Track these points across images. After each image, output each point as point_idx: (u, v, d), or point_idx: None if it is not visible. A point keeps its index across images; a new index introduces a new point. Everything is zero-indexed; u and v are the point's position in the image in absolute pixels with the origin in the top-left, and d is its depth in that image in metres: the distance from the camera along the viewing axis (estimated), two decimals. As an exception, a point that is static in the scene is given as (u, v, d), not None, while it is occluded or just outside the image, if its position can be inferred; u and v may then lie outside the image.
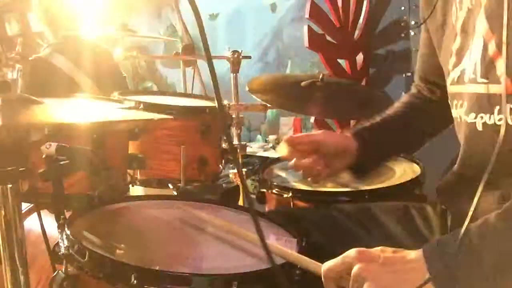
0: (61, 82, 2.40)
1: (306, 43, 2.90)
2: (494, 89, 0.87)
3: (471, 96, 0.92)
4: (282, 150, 1.24)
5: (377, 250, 0.81)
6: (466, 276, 0.74)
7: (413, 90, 1.32)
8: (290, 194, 1.43)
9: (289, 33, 3.76)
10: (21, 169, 0.87)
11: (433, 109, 1.24)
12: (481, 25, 0.90)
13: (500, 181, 0.86)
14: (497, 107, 0.86)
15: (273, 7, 3.87)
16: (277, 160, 1.78)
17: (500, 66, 0.85)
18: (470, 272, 0.75)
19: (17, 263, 0.89)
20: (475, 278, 0.74)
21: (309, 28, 2.90)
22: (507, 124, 0.84)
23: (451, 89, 1.02)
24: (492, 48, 0.87)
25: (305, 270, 0.86)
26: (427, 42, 1.16)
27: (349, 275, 0.78)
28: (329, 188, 1.52)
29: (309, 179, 1.29)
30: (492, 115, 0.88)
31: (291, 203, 1.43)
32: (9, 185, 0.87)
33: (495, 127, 0.86)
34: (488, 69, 0.88)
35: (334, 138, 1.25)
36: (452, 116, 1.03)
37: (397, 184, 1.45)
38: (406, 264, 0.77)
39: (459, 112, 0.98)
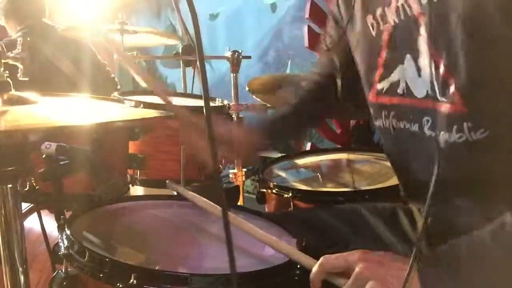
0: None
1: (306, 43, 2.90)
2: (450, 108, 0.87)
3: (432, 112, 0.91)
4: None
5: (380, 253, 0.81)
6: None
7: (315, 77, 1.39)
8: (290, 194, 1.43)
9: (289, 33, 3.76)
10: (21, 169, 0.86)
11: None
12: (425, 45, 0.89)
13: (478, 195, 0.89)
14: (455, 126, 0.87)
15: (273, 7, 3.87)
16: (277, 160, 1.78)
17: (451, 86, 0.86)
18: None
19: (17, 263, 0.89)
20: None
21: (309, 28, 2.90)
22: (466, 141, 0.85)
23: (374, 99, 1.05)
24: (442, 68, 0.87)
25: (306, 270, 0.86)
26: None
27: (345, 274, 0.79)
28: (329, 188, 1.52)
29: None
30: (450, 134, 0.88)
31: (291, 203, 1.43)
32: (9, 185, 0.87)
33: (456, 145, 0.87)
34: (443, 89, 0.88)
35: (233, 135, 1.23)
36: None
37: (397, 184, 1.45)
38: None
39: (392, 121, 1.01)
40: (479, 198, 0.89)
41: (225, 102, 1.80)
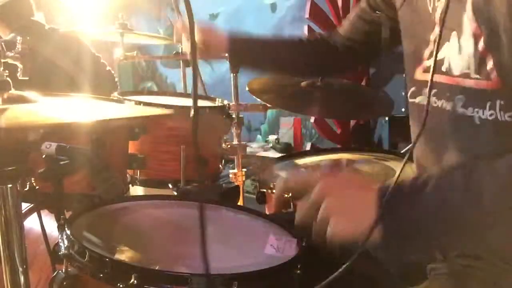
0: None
1: (306, 43, 2.90)
2: (485, 84, 0.90)
3: (467, 90, 0.94)
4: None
5: (342, 174, 0.83)
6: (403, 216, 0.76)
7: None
8: (290, 194, 1.43)
9: (289, 33, 3.75)
10: (21, 169, 0.86)
11: (326, 52, 1.47)
12: (468, 22, 0.92)
13: None
14: (489, 103, 0.89)
15: (273, 7, 3.87)
16: (277, 160, 1.78)
17: (489, 62, 0.88)
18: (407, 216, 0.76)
19: (17, 263, 0.89)
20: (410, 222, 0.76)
21: (309, 28, 2.90)
22: (495, 120, 0.87)
23: (421, 76, 1.05)
24: (481, 45, 0.90)
25: (306, 271, 0.86)
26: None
27: (309, 191, 0.81)
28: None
29: None
30: (484, 110, 0.90)
31: (291, 203, 1.43)
32: (9, 185, 0.87)
33: (487, 122, 0.89)
34: (480, 66, 0.91)
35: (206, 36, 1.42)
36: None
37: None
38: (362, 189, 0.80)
39: (435, 101, 1.02)
40: None
41: (225, 102, 1.80)
